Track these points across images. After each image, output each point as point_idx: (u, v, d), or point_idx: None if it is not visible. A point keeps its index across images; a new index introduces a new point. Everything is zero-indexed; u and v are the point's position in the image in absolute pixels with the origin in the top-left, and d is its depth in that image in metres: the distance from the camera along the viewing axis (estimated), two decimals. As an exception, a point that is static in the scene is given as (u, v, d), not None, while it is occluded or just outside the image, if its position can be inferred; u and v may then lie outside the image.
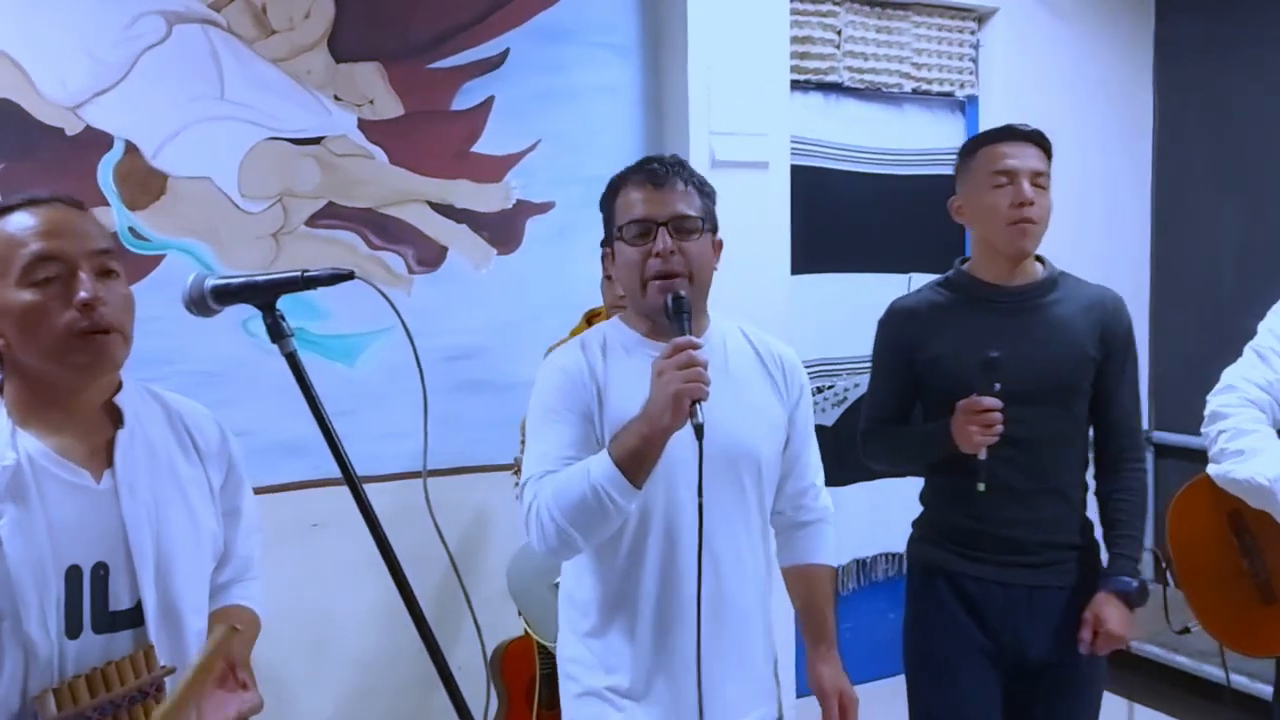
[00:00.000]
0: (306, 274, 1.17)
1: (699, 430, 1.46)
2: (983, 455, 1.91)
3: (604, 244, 1.77)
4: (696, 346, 1.50)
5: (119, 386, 1.39)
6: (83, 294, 1.26)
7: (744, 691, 1.73)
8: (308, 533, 2.91)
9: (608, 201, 1.72)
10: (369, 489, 3.26)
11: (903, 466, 2.25)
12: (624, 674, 1.67)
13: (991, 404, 1.89)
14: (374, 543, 3.27)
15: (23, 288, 1.26)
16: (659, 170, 1.66)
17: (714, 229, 1.71)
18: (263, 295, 1.19)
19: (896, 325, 2.14)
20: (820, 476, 1.87)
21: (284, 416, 2.79)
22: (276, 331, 1.18)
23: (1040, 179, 2.01)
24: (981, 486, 1.96)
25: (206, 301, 1.21)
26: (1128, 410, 2.14)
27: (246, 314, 2.77)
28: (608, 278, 2.58)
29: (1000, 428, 1.89)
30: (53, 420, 1.31)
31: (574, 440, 1.63)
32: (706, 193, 1.71)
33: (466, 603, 1.44)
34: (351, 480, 1.17)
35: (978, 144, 2.08)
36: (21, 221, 1.28)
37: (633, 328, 1.73)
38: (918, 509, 2.23)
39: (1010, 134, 2.04)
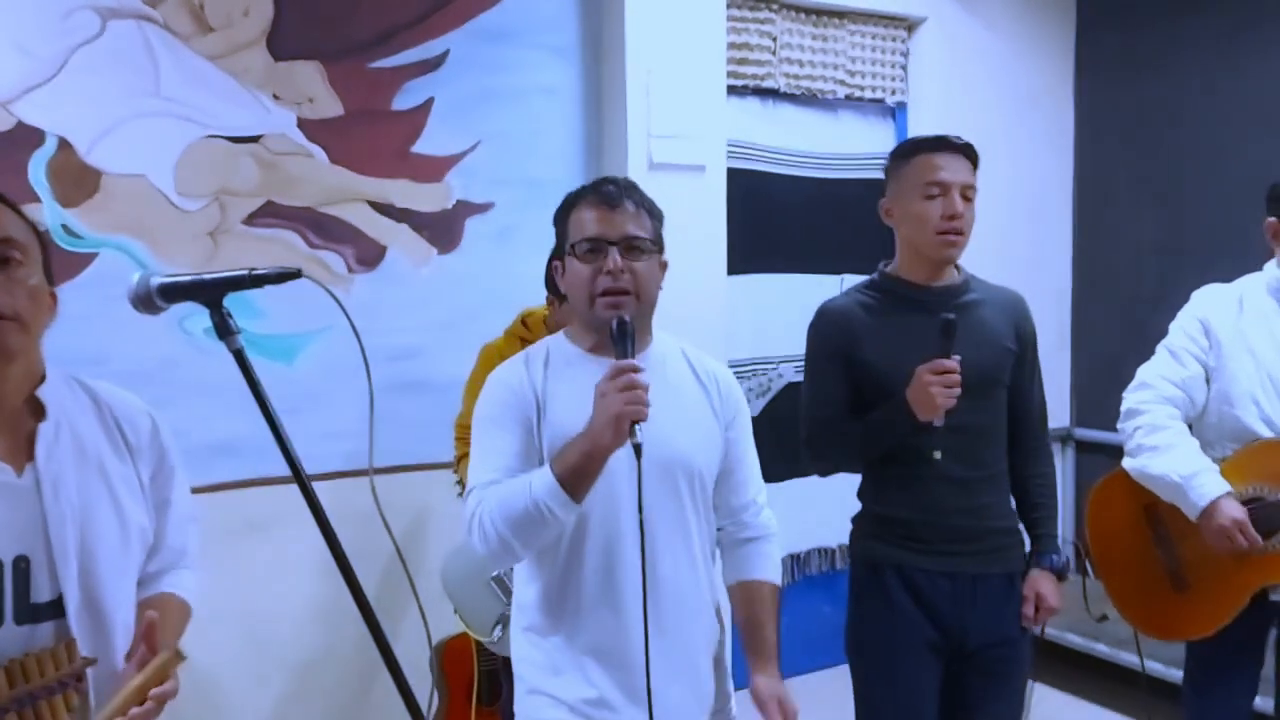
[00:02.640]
0: (254, 272, 1.19)
1: (638, 450, 1.53)
2: (939, 422, 1.97)
3: (554, 257, 1.81)
4: (637, 370, 1.56)
5: (42, 379, 1.37)
6: None
7: (690, 695, 1.78)
8: (242, 533, 2.89)
9: (561, 218, 1.78)
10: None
11: (852, 462, 2.20)
12: (566, 676, 1.71)
13: (951, 365, 1.95)
14: (322, 539, 3.26)
15: None
16: (613, 191, 1.72)
17: (661, 250, 1.78)
18: (210, 293, 1.19)
19: (830, 327, 2.15)
20: (762, 494, 1.91)
21: (217, 416, 2.78)
22: (224, 329, 1.18)
23: (969, 191, 2.09)
24: (938, 455, 2.04)
25: (153, 299, 1.21)
26: (1039, 400, 2.26)
27: (183, 313, 2.74)
28: (551, 300, 2.61)
29: (958, 390, 1.95)
30: None
31: (517, 451, 1.69)
32: (655, 215, 1.77)
33: (414, 596, 1.46)
34: (300, 477, 1.18)
35: (912, 150, 2.12)
36: None
37: (575, 343, 1.78)
38: (851, 503, 2.26)
39: (945, 145, 2.10)
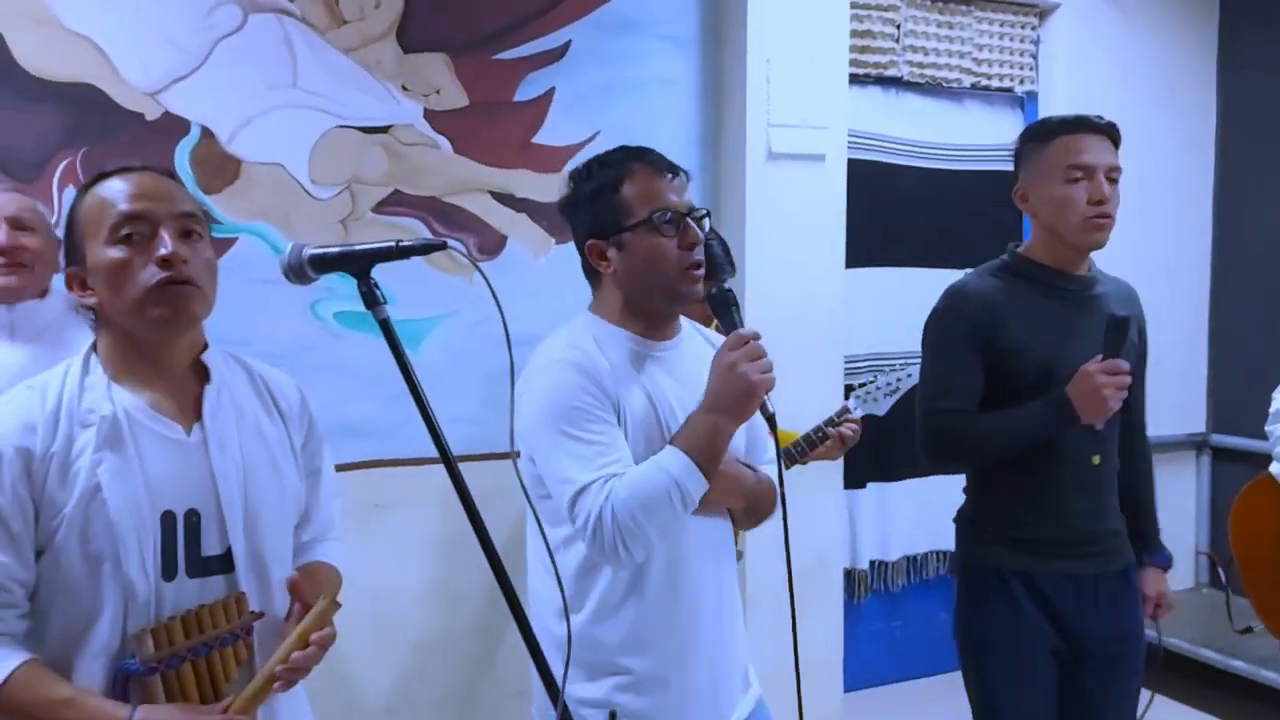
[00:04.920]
0: (401, 243, 1.22)
1: (772, 421, 1.49)
2: (1100, 425, 1.90)
3: (601, 236, 1.64)
4: (758, 337, 1.52)
5: (205, 347, 1.44)
6: (162, 250, 1.32)
7: (739, 674, 1.77)
8: (368, 513, 2.97)
9: (608, 189, 1.63)
10: (427, 470, 3.28)
11: (983, 460, 2.05)
12: (622, 660, 1.65)
13: (1125, 365, 1.88)
14: (440, 523, 3.30)
15: (110, 245, 1.34)
16: (665, 161, 1.66)
17: None
18: (359, 263, 1.23)
19: (971, 309, 2.02)
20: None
21: (347, 398, 2.87)
22: (371, 299, 1.22)
23: (1114, 173, 2.00)
24: (1097, 460, 1.98)
25: (304, 269, 1.25)
26: (1143, 396, 2.18)
27: (314, 296, 2.84)
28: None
29: (1126, 393, 1.88)
30: (144, 376, 1.37)
31: (619, 441, 1.58)
32: None
33: (556, 577, 1.47)
34: (442, 448, 1.21)
35: (1051, 131, 2.03)
36: (114, 186, 1.37)
37: (620, 325, 1.67)
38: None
39: (1087, 126, 2.01)
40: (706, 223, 1.65)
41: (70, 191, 2.62)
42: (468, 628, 3.10)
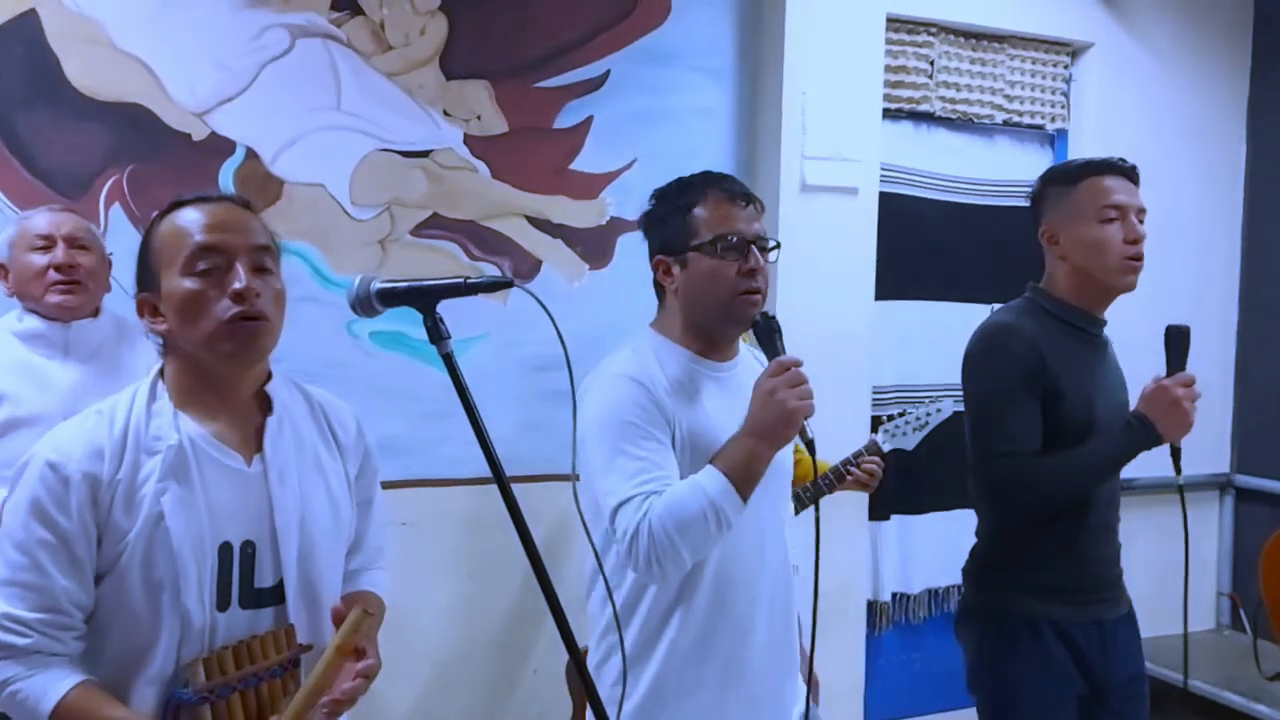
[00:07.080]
0: (469, 280, 1.24)
1: (811, 446, 1.53)
2: (1179, 444, 1.91)
3: (668, 253, 1.71)
4: (800, 364, 1.55)
5: (269, 377, 1.45)
6: (236, 284, 1.33)
7: (793, 686, 1.81)
8: (393, 531, 2.98)
9: (681, 210, 1.70)
10: (451, 491, 3.29)
11: (1053, 504, 1.95)
12: (675, 685, 1.69)
13: (1194, 377, 1.87)
14: (461, 543, 3.30)
15: (185, 276, 1.34)
16: (740, 189, 1.72)
17: None
18: (425, 299, 1.25)
19: (1023, 349, 1.95)
20: None
21: (377, 417, 2.86)
22: (435, 334, 1.24)
23: (1142, 215, 2.02)
24: (1181, 478, 1.95)
25: (371, 302, 1.27)
26: None
27: (351, 315, 2.85)
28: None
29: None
30: (209, 405, 1.38)
31: (668, 459, 1.62)
32: None
33: (609, 596, 1.48)
34: (499, 474, 1.22)
35: (1080, 173, 2.03)
36: (190, 216, 1.37)
37: (680, 343, 1.73)
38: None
39: (1116, 169, 2.03)
40: (774, 255, 1.71)
41: (117, 209, 2.66)
42: (489, 648, 3.12)
